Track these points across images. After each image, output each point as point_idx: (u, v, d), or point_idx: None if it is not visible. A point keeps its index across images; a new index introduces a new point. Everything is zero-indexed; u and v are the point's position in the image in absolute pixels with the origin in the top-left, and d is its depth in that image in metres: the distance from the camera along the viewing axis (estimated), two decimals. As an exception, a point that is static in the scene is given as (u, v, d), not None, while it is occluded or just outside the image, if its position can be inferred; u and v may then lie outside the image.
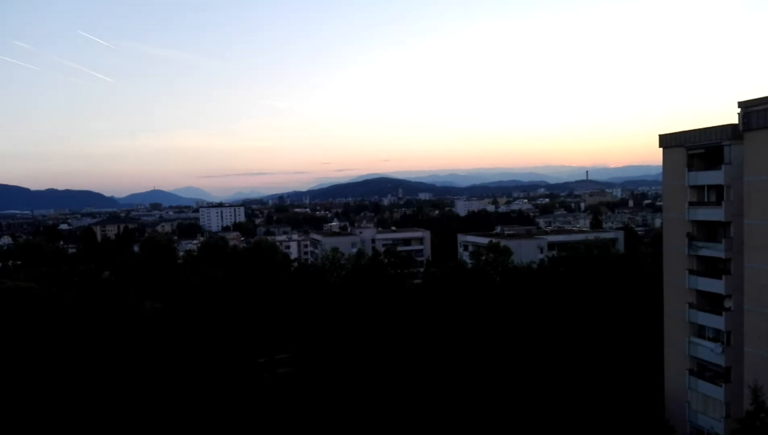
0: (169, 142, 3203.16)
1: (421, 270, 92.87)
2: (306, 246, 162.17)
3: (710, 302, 42.18)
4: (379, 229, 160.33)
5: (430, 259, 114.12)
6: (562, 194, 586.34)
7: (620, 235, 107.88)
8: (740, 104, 37.68)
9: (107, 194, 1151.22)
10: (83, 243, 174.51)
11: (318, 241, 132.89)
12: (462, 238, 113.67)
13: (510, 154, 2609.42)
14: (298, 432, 45.68)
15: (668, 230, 46.27)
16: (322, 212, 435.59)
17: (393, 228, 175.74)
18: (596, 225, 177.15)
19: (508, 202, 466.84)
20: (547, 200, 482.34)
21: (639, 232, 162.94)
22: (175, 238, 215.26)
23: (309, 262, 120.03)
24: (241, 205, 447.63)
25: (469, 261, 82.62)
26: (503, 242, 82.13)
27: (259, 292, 69.92)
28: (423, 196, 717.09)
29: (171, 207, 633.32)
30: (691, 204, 42.69)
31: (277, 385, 53.41)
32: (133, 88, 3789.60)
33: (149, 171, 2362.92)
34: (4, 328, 51.53)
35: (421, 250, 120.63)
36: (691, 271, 42.89)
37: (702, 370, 42.92)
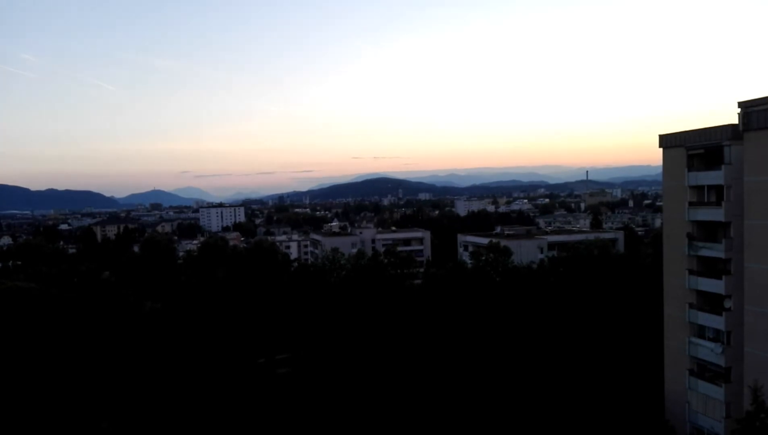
0: (169, 142, 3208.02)
1: (421, 270, 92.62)
2: (306, 246, 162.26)
3: (710, 302, 42.19)
4: (379, 229, 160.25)
5: (430, 259, 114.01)
6: (562, 194, 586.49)
7: (620, 235, 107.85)
8: (740, 104, 37.70)
9: (107, 194, 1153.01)
10: (83, 243, 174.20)
11: (318, 241, 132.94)
12: (462, 238, 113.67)
13: (510, 154, 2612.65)
14: (297, 432, 45.68)
15: (668, 230, 46.28)
16: (322, 212, 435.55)
17: (393, 228, 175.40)
18: (596, 225, 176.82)
19: (508, 203, 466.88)
20: (547, 200, 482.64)
21: (639, 233, 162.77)
22: (175, 238, 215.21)
23: (309, 262, 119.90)
24: (241, 206, 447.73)
25: (469, 261, 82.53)
26: (503, 242, 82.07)
27: (259, 292, 69.91)
28: (423, 196, 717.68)
29: (171, 207, 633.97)
30: (691, 204, 42.70)
31: (277, 385, 53.40)
32: (133, 94, 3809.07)
33: (149, 171, 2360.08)
34: (4, 328, 51.48)
35: (421, 251, 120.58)
36: (691, 272, 42.89)
37: (702, 370, 42.92)
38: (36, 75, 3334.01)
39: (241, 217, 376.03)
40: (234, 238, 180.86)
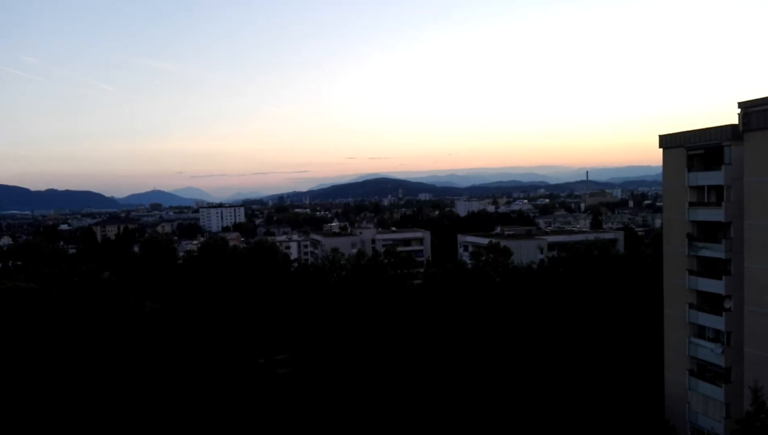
0: (168, 143, 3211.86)
1: (421, 270, 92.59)
2: (306, 246, 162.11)
3: (710, 303, 42.16)
4: (379, 229, 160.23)
5: (430, 259, 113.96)
6: (562, 195, 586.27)
7: (620, 235, 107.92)
8: (740, 105, 37.69)
9: (107, 195, 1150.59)
10: (83, 243, 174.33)
11: (318, 241, 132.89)
12: (462, 238, 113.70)
13: (510, 154, 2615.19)
14: (297, 432, 45.67)
15: (668, 231, 46.26)
16: (322, 213, 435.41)
17: (393, 228, 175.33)
18: (596, 225, 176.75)
19: (508, 203, 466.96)
20: (547, 201, 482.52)
21: (639, 233, 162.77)
22: (175, 238, 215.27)
23: (309, 262, 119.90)
24: (241, 206, 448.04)
25: (469, 261, 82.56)
26: (503, 243, 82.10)
27: (259, 292, 69.91)
28: (423, 196, 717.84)
29: (171, 207, 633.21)
30: (691, 204, 42.68)
31: (277, 385, 53.40)
32: (133, 95, 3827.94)
33: (149, 171, 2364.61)
34: (4, 329, 51.49)
35: (421, 251, 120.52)
36: (691, 272, 42.87)
37: (702, 370, 42.90)
38: (36, 76, 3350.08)
39: (241, 218, 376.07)
40: (234, 239, 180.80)
